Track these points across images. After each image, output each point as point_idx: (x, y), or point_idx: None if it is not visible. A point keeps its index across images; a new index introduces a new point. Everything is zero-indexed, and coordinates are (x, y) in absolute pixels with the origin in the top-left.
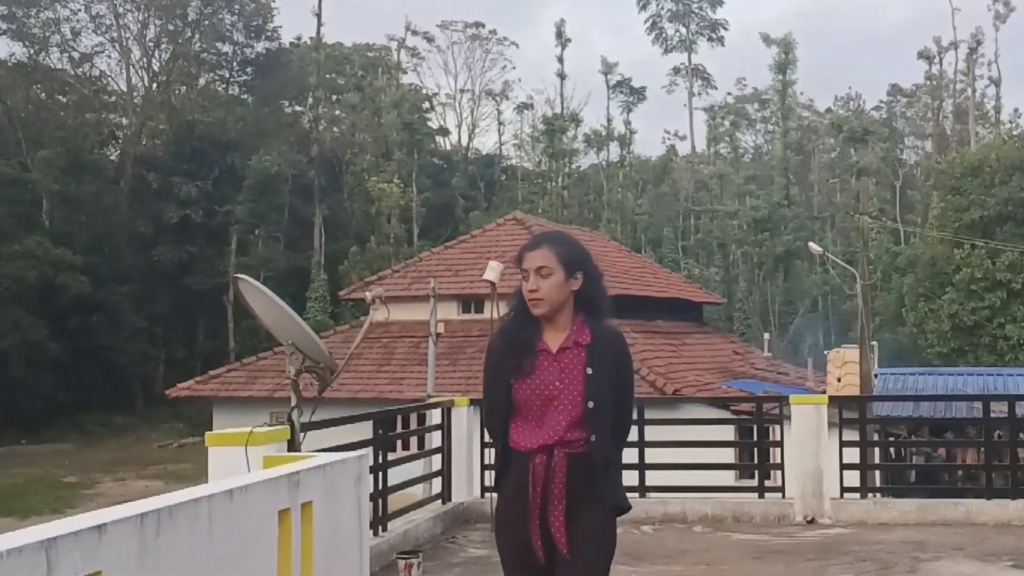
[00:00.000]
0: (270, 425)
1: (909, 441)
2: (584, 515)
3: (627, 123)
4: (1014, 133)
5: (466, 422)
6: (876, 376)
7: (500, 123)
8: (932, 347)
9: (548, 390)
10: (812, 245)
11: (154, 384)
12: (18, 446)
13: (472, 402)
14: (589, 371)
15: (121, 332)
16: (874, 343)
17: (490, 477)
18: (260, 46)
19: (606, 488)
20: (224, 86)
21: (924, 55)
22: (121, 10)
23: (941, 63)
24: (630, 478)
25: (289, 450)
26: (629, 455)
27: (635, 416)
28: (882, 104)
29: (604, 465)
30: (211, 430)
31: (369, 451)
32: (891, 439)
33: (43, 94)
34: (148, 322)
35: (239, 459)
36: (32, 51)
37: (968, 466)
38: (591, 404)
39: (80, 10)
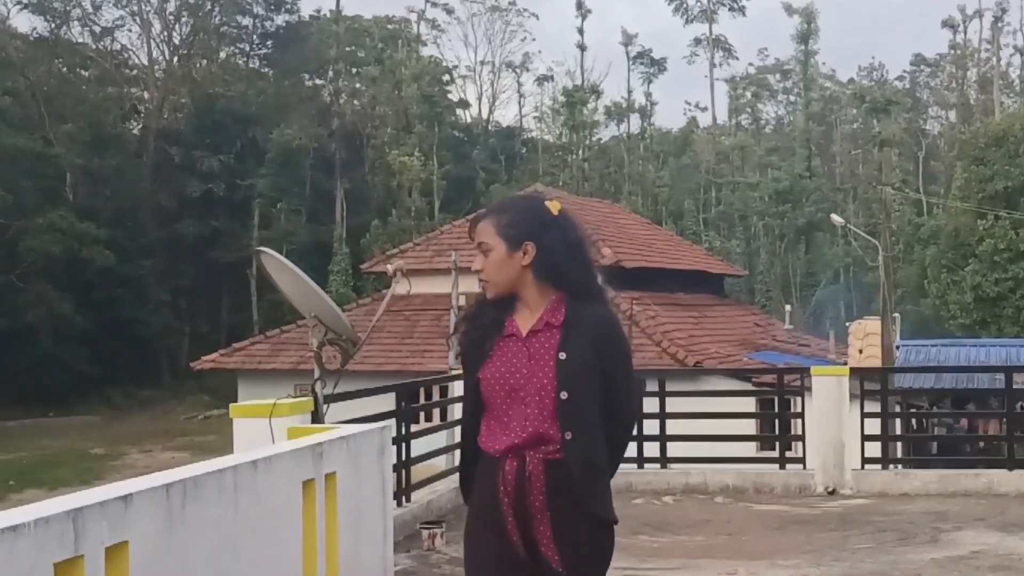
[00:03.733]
0: (294, 397)
1: (931, 412)
2: (573, 531)
3: (648, 95)
4: None
5: None
6: (898, 348)
7: (520, 95)
8: (954, 319)
9: (512, 379)
10: (834, 217)
11: (179, 357)
12: (46, 419)
13: None
14: (562, 356)
15: (146, 305)
16: (896, 315)
17: None
18: (280, 19)
19: (595, 498)
20: (244, 59)
21: (948, 24)
22: None
23: (965, 32)
24: (651, 449)
25: (313, 422)
26: (650, 426)
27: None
28: (905, 74)
29: (585, 469)
30: (236, 402)
31: (392, 423)
32: (912, 410)
33: (65, 68)
34: (173, 295)
35: (264, 431)
36: (53, 25)
37: (990, 437)
38: (564, 395)
39: None
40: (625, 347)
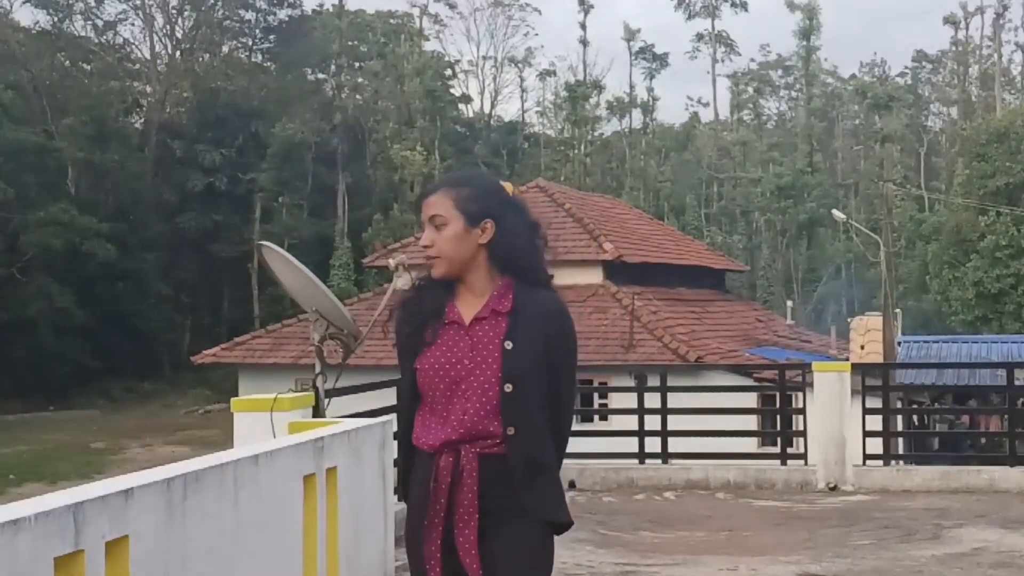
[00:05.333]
0: (295, 391)
1: (932, 408)
2: (505, 533)
3: (650, 90)
4: None
5: None
6: (899, 344)
7: (523, 90)
8: (956, 315)
9: (454, 370)
10: (836, 212)
11: (180, 351)
12: (46, 412)
13: None
14: (508, 345)
15: (147, 299)
16: (898, 311)
17: None
18: (283, 13)
19: (535, 496)
20: (247, 54)
21: (950, 20)
22: None
23: (967, 28)
24: (652, 445)
25: (314, 416)
26: (652, 422)
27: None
28: (907, 70)
29: (529, 466)
30: (237, 396)
31: (393, 417)
32: (914, 406)
33: (67, 62)
34: (174, 289)
35: (265, 425)
36: (56, 19)
37: (991, 433)
38: (509, 387)
39: None
40: (573, 338)
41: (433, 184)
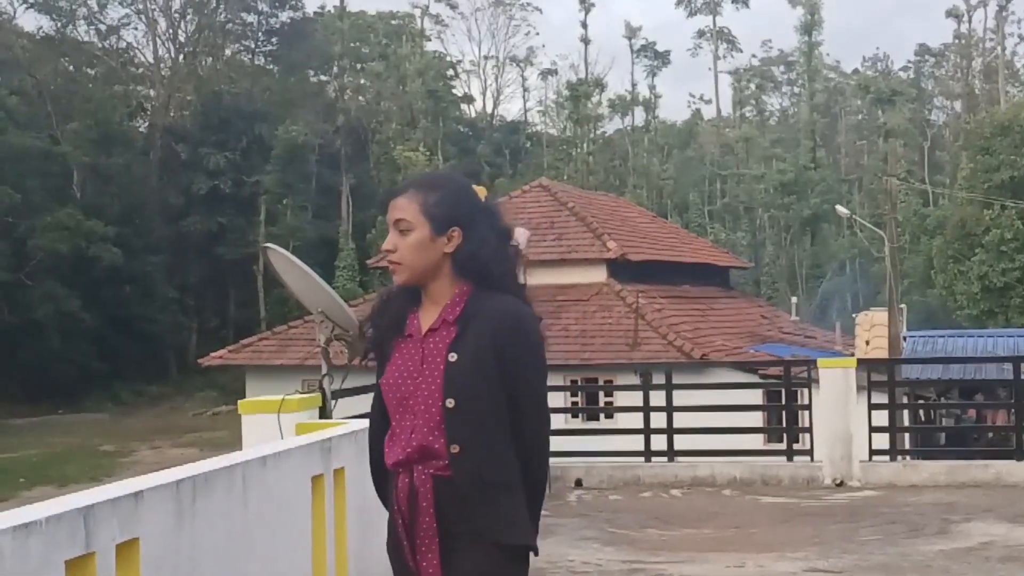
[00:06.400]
0: (302, 393)
1: (938, 403)
2: (462, 559)
3: (652, 87)
4: None
5: None
6: (905, 339)
7: (525, 89)
8: (962, 309)
9: (404, 386)
10: (839, 208)
11: (187, 353)
12: (55, 416)
13: None
14: (452, 357)
15: (154, 302)
16: (903, 306)
17: None
18: (284, 16)
19: (491, 520)
20: (250, 56)
21: (953, 13)
22: None
23: (970, 21)
24: (658, 442)
25: (321, 417)
26: (657, 419)
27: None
28: (910, 64)
29: (477, 486)
30: (244, 398)
31: None
32: (920, 402)
33: (71, 67)
34: (180, 292)
35: (272, 426)
36: (59, 24)
37: (998, 428)
38: (451, 403)
39: None
40: (531, 345)
41: (401, 185)
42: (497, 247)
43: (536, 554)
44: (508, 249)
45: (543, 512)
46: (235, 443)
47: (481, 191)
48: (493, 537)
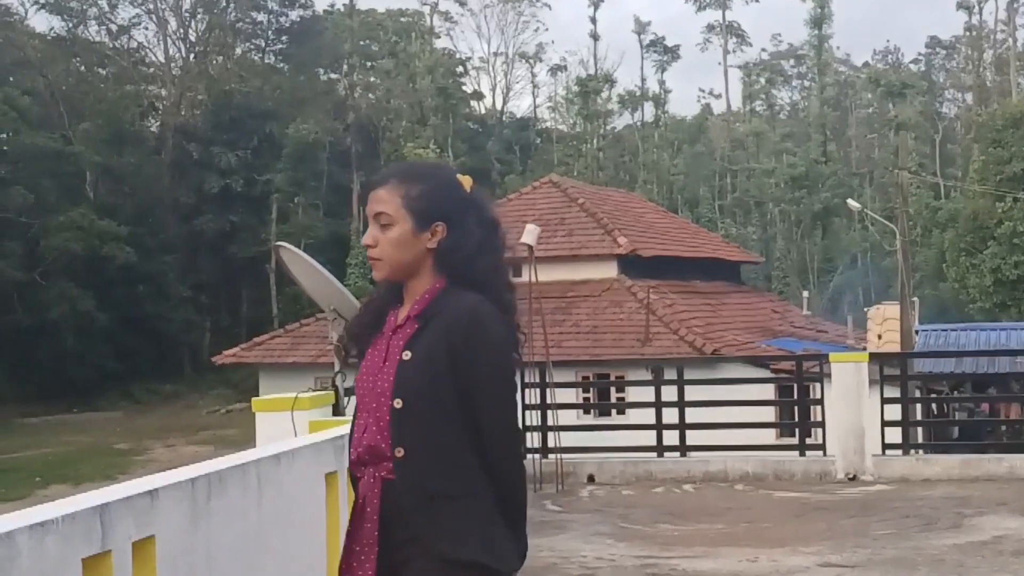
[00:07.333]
0: (315, 390)
1: (951, 397)
2: (409, 572)
3: (661, 83)
4: None
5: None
6: (917, 332)
7: (534, 86)
8: (974, 302)
9: (366, 385)
10: (850, 202)
11: (201, 352)
12: (70, 414)
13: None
14: (406, 355)
15: (167, 301)
16: (915, 299)
17: (535, 438)
18: (294, 14)
19: (432, 532)
20: (260, 55)
21: (963, 5)
22: None
23: (981, 13)
24: (671, 437)
25: (334, 414)
26: (670, 415)
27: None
28: (921, 57)
29: (420, 494)
30: (257, 396)
31: None
32: (933, 395)
33: (83, 67)
34: (193, 291)
35: (286, 424)
36: (70, 24)
37: (1012, 421)
38: (398, 403)
39: None
40: (490, 343)
41: (381, 175)
42: (482, 240)
43: (505, 571)
44: (495, 241)
45: (555, 508)
46: (249, 440)
47: (467, 181)
48: (435, 551)
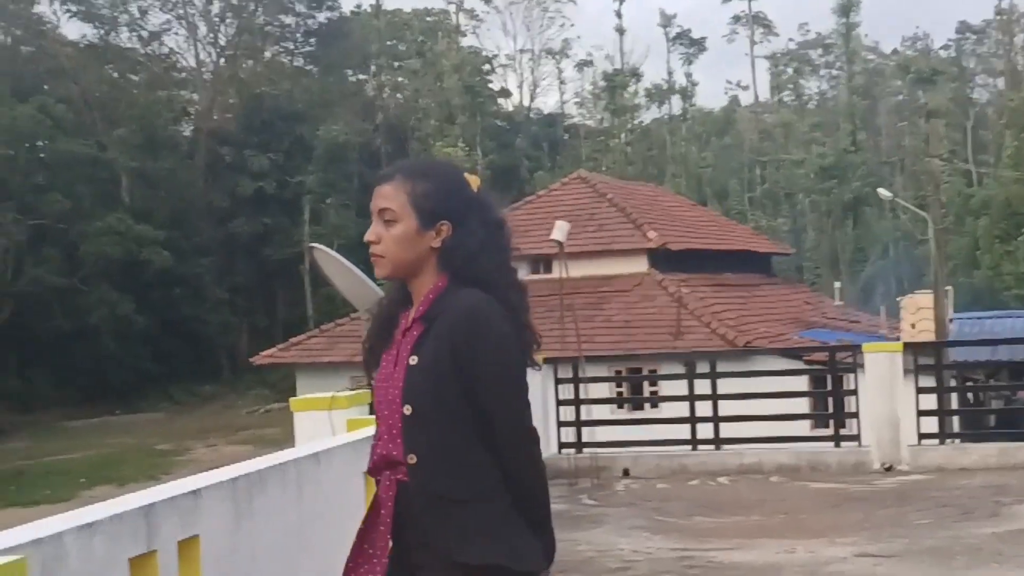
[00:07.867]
0: (351, 389)
1: (987, 385)
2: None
3: (688, 75)
4: None
5: (540, 380)
6: (951, 321)
7: (561, 82)
8: (1009, 289)
9: (380, 390)
10: (881, 191)
11: (238, 353)
12: (112, 416)
13: (547, 360)
14: (412, 360)
15: (204, 304)
16: (948, 288)
17: (569, 434)
18: (322, 16)
19: (439, 535)
20: (289, 58)
21: None
22: None
23: None
24: (705, 430)
25: (371, 413)
26: (703, 408)
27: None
28: (950, 43)
29: (430, 501)
30: (295, 395)
31: None
32: (969, 384)
33: (115, 74)
34: (229, 293)
35: (324, 423)
36: (102, 32)
37: None
38: (408, 409)
39: None
40: (493, 341)
41: (387, 171)
42: (485, 239)
43: (528, 572)
44: (500, 241)
45: (591, 503)
46: (288, 440)
47: (474, 180)
48: (441, 554)
